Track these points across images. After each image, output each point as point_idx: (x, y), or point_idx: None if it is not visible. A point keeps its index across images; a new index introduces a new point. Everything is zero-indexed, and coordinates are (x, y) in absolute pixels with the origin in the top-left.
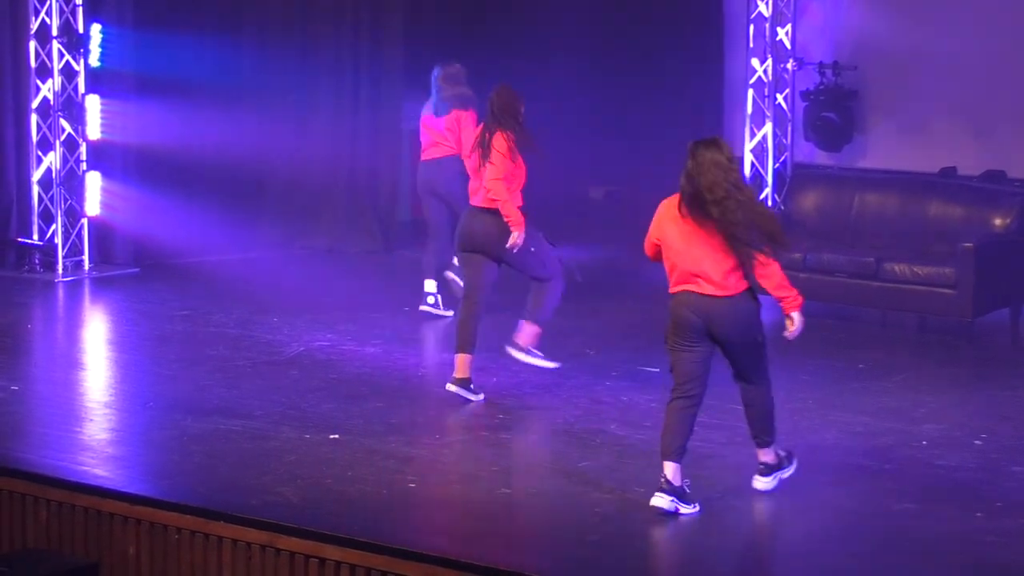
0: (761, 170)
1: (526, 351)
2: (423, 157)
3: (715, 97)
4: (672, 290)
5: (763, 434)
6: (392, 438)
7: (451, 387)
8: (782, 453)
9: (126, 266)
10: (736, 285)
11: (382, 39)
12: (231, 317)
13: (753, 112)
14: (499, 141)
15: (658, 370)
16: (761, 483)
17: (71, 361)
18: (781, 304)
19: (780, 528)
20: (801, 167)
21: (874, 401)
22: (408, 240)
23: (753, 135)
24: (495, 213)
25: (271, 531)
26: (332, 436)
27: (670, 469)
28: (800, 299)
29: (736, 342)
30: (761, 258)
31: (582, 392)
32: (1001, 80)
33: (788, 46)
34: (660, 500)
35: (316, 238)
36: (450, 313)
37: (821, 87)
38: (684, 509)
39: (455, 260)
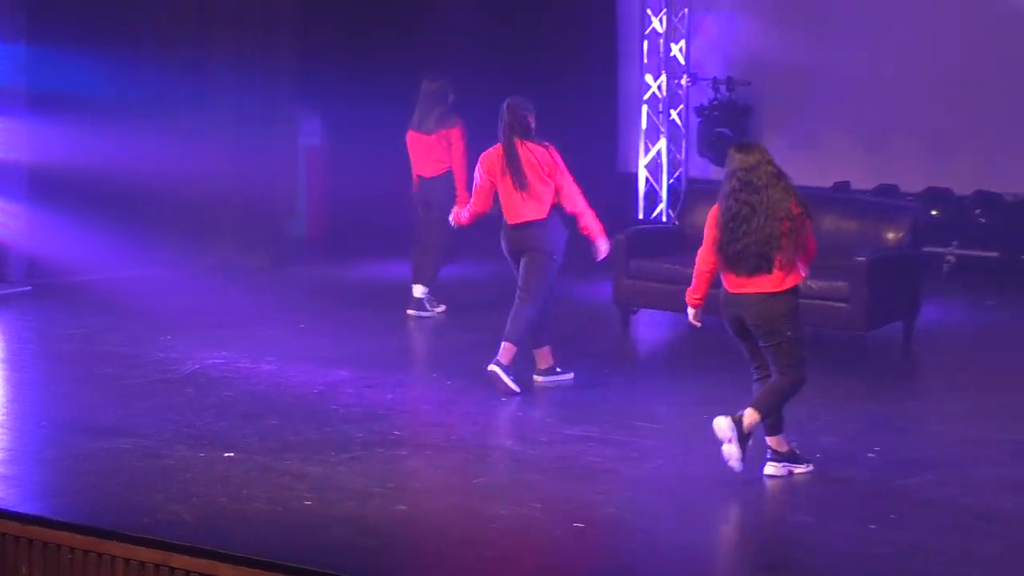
0: (656, 185)
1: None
2: (421, 174)
3: (609, 112)
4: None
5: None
6: (287, 455)
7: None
8: (794, 445)
9: (19, 284)
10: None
11: (274, 54)
12: (125, 335)
13: (647, 128)
14: (544, 156)
15: (553, 386)
16: (770, 468)
17: None
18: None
19: (676, 541)
20: (695, 182)
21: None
22: (302, 256)
23: (647, 151)
24: (535, 225)
25: (165, 550)
26: (227, 454)
27: (772, 441)
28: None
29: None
30: None
31: (479, 408)
32: (893, 96)
33: (682, 62)
34: (771, 468)
35: (210, 255)
36: (441, 308)
37: (715, 103)
38: (798, 469)
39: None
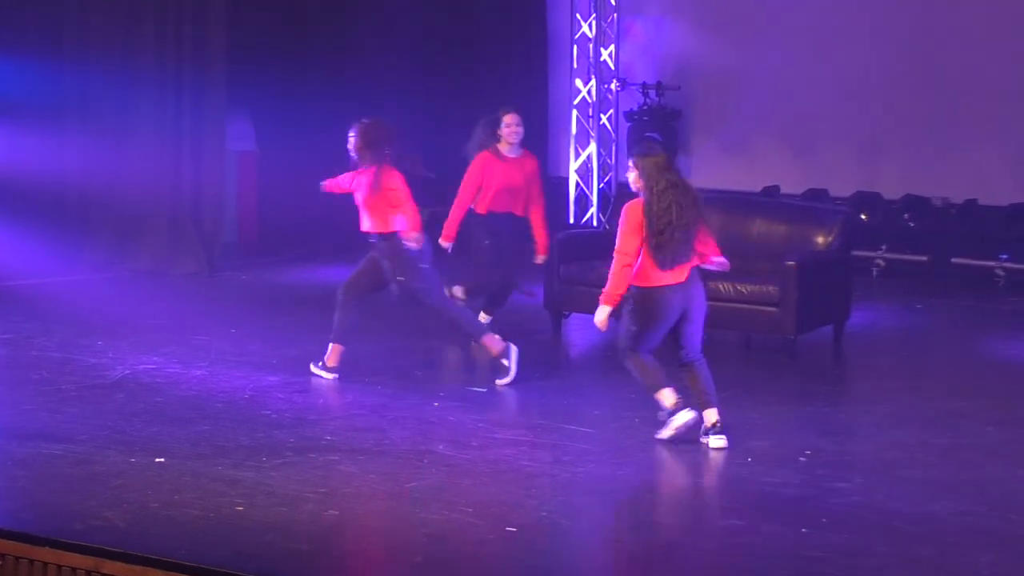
0: (586, 190)
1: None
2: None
3: (540, 117)
4: None
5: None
6: (219, 461)
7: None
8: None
9: None
10: None
11: (204, 58)
12: (54, 340)
13: (578, 132)
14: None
15: (485, 390)
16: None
17: None
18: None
19: (610, 544)
20: (626, 187)
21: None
22: (234, 261)
23: (578, 155)
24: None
25: (96, 556)
26: (158, 460)
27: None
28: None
29: None
30: None
31: (410, 413)
32: (823, 100)
33: (612, 67)
34: (720, 440)
35: (140, 260)
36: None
37: (645, 107)
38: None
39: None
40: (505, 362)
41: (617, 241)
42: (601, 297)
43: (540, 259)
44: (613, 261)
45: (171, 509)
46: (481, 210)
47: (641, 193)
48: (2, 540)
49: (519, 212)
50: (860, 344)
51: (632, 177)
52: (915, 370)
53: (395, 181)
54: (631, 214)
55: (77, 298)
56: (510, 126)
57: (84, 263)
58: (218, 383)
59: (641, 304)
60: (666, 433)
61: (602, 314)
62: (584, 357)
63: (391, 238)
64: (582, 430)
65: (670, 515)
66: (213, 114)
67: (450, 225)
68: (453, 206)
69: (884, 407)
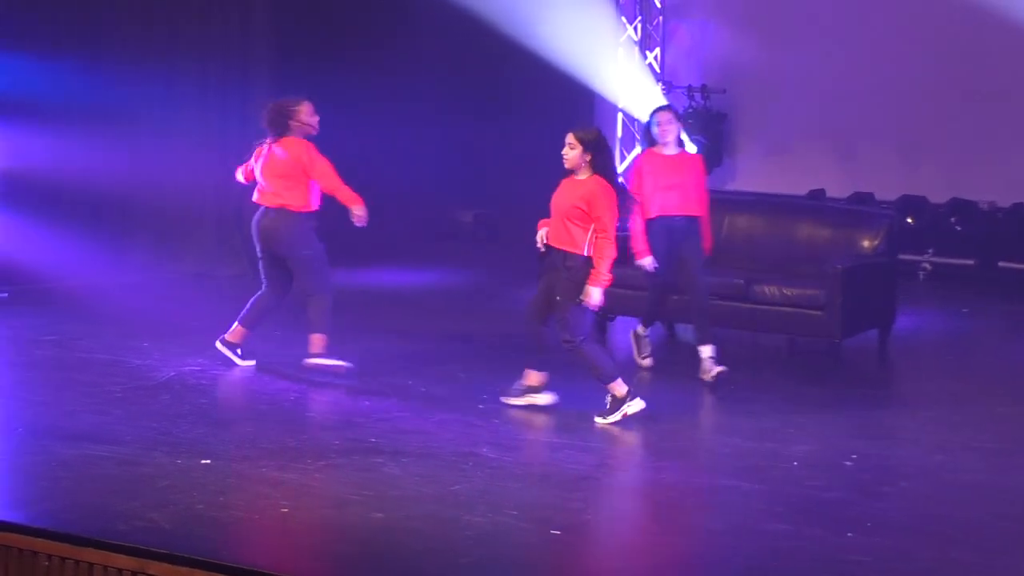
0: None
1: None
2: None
3: (585, 120)
4: None
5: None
6: (264, 463)
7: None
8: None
9: None
10: None
11: (249, 62)
12: (100, 342)
13: (623, 135)
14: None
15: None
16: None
17: None
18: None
19: (653, 547)
20: None
21: (744, 422)
22: None
23: (623, 158)
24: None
25: (141, 557)
26: (203, 461)
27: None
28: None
29: None
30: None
31: (454, 415)
32: (869, 104)
33: (657, 70)
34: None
35: (185, 262)
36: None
37: (690, 110)
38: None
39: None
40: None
41: (608, 223)
42: (600, 280)
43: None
44: (608, 244)
45: (216, 511)
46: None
47: (579, 170)
48: (48, 541)
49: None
50: (905, 348)
51: (575, 154)
52: (960, 374)
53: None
54: (611, 194)
55: (123, 300)
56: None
57: (130, 265)
58: (264, 385)
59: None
60: (612, 419)
61: (599, 295)
62: (629, 360)
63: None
64: (627, 433)
65: (713, 519)
66: (258, 120)
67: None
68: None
69: (928, 411)
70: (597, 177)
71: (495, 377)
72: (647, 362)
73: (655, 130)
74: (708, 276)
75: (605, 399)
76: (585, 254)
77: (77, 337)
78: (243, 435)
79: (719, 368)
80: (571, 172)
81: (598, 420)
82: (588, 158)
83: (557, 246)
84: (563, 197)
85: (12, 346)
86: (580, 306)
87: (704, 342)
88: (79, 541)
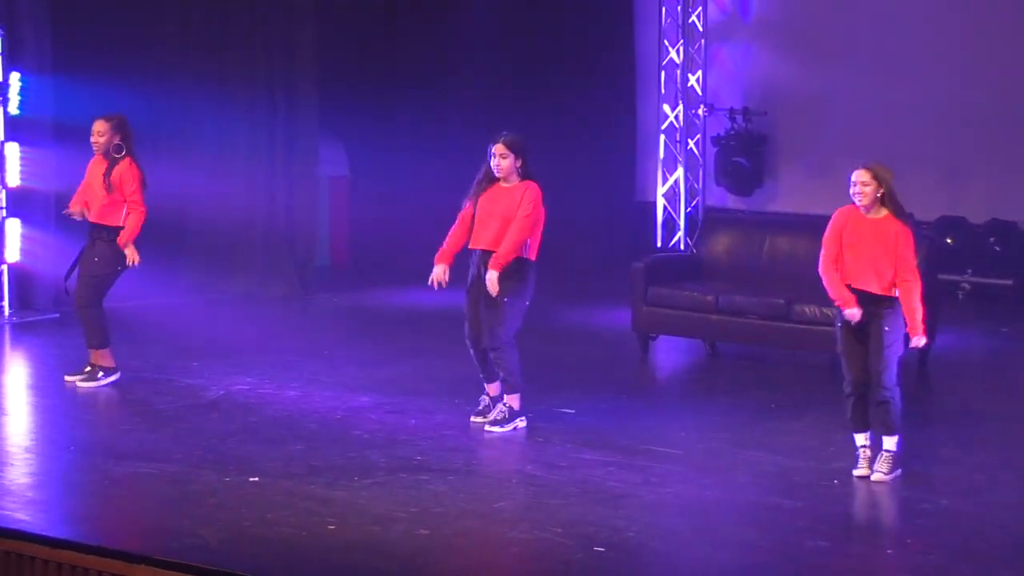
0: (673, 214)
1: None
2: None
3: (628, 142)
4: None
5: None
6: (311, 480)
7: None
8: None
9: (46, 311)
10: None
11: (297, 86)
12: (151, 361)
13: (665, 157)
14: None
15: (573, 411)
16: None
17: None
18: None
19: (696, 564)
20: (713, 211)
21: (785, 440)
22: (325, 285)
23: (665, 180)
24: None
25: (191, 574)
26: (252, 479)
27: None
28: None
29: None
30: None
31: (499, 433)
32: (907, 125)
33: (699, 92)
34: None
35: (234, 283)
36: None
37: (732, 132)
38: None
39: None
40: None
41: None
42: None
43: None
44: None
45: (264, 528)
46: None
47: (510, 177)
48: (99, 558)
49: None
50: (945, 367)
51: (508, 163)
52: (999, 393)
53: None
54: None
55: (173, 320)
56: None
57: (180, 286)
58: (311, 404)
59: (531, 284)
60: (507, 428)
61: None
62: (671, 379)
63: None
64: (669, 451)
65: (756, 536)
66: (306, 141)
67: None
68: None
69: (968, 430)
70: (528, 182)
71: (538, 396)
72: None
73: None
74: (742, 297)
75: (499, 406)
76: (523, 255)
77: (128, 357)
78: (291, 453)
79: None
80: (496, 180)
81: (491, 428)
82: (519, 164)
83: (493, 249)
84: (498, 204)
85: (63, 366)
86: (515, 308)
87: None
88: (130, 558)
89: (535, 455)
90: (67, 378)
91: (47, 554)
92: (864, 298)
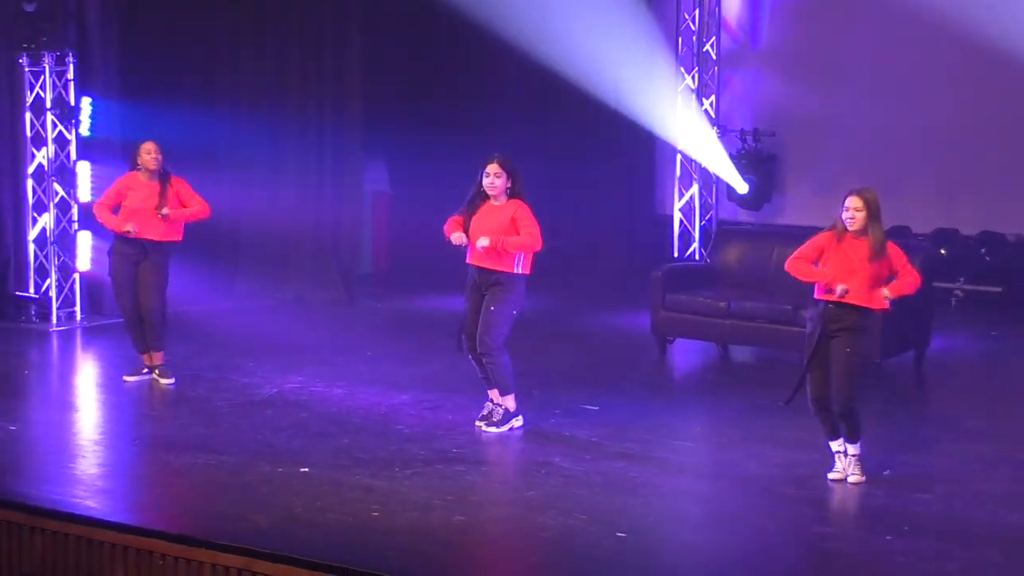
0: (689, 226)
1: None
2: None
3: (648, 160)
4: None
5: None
6: (357, 471)
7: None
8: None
9: (115, 316)
10: None
11: (343, 108)
12: (209, 362)
13: (681, 175)
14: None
15: (597, 408)
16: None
17: (65, 403)
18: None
19: (710, 549)
20: (725, 224)
21: (793, 435)
22: (368, 291)
23: (682, 195)
24: None
25: (247, 556)
26: (302, 470)
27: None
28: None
29: None
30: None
31: (529, 427)
32: (906, 145)
33: (712, 115)
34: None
35: (286, 289)
36: None
37: (743, 152)
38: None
39: None
40: None
41: (538, 232)
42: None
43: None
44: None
45: (314, 514)
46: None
47: (500, 196)
48: (162, 542)
49: None
50: (940, 368)
51: (501, 182)
52: (991, 391)
53: None
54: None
55: (230, 324)
56: None
57: (236, 292)
58: (357, 400)
59: (521, 295)
60: (503, 429)
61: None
62: (687, 379)
63: None
64: (685, 444)
65: (765, 522)
66: (351, 158)
67: None
68: None
69: (962, 425)
70: (516, 200)
71: (567, 393)
72: None
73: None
74: (752, 303)
75: (496, 409)
76: (515, 271)
77: (189, 357)
78: (338, 446)
79: None
80: (487, 199)
81: (488, 429)
82: (509, 184)
83: (488, 266)
84: (490, 220)
85: (129, 366)
86: (504, 316)
87: None
88: (191, 542)
89: (562, 448)
90: (129, 379)
91: (115, 538)
92: (834, 310)
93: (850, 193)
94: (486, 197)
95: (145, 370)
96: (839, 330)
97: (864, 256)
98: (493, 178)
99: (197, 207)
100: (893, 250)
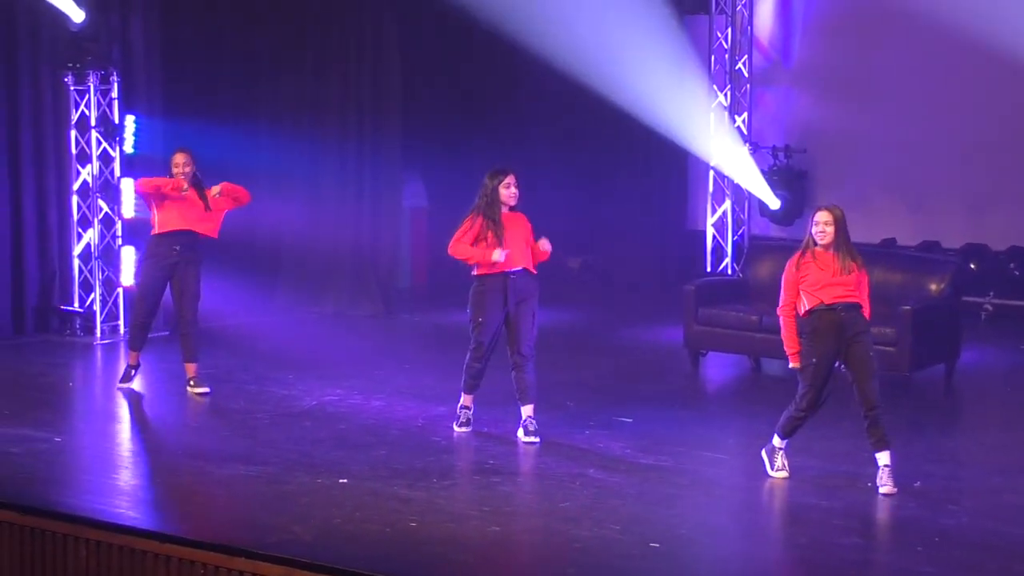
0: (721, 241)
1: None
2: None
3: (681, 177)
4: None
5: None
6: (395, 482)
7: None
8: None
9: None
10: None
11: (382, 126)
12: (250, 374)
13: (714, 191)
14: None
15: (631, 420)
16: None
17: (108, 415)
18: None
19: (743, 560)
20: (757, 239)
21: (823, 446)
22: (406, 305)
23: (714, 211)
24: None
25: (286, 566)
26: (341, 480)
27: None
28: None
29: None
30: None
31: (563, 439)
32: (935, 161)
33: (745, 132)
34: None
35: (325, 303)
36: None
37: (774, 168)
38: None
39: None
40: None
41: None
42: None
43: None
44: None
45: (352, 524)
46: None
47: (505, 206)
48: (204, 551)
49: None
50: (969, 381)
51: (517, 192)
52: (1020, 405)
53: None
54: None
55: (270, 337)
56: None
57: (276, 306)
58: (394, 412)
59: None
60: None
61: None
62: (720, 391)
63: None
64: (719, 456)
65: (796, 533)
66: (390, 175)
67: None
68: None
69: (991, 437)
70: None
71: (600, 405)
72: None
73: (507, 191)
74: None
75: (530, 420)
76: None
77: (230, 370)
78: (376, 458)
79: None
80: (505, 208)
81: (527, 439)
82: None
83: (527, 267)
84: (519, 228)
85: (172, 379)
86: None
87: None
88: (231, 551)
89: (596, 460)
90: (196, 391)
91: (156, 548)
92: (841, 308)
93: (819, 208)
94: (498, 210)
95: (133, 372)
96: (858, 334)
97: (837, 268)
98: (514, 188)
99: (242, 189)
100: (863, 276)
